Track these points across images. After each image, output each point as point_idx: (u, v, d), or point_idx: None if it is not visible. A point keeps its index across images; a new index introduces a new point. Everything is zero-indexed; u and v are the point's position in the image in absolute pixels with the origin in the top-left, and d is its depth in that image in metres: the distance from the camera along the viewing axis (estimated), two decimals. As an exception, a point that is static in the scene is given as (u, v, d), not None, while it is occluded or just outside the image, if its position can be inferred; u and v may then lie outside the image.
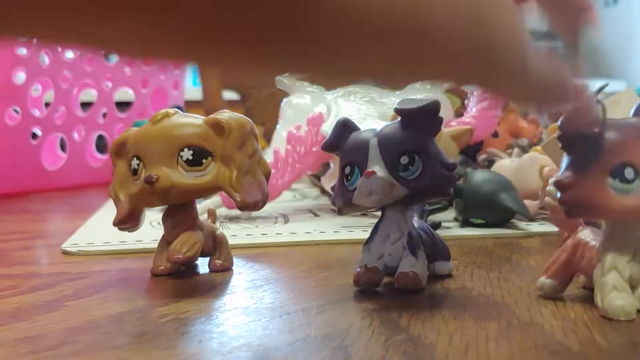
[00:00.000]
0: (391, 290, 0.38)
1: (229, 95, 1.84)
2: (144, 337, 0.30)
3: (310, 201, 0.78)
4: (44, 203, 0.88)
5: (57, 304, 0.36)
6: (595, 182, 0.31)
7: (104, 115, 1.12)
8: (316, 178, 0.75)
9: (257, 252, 0.51)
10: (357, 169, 0.38)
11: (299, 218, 0.66)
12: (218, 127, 0.41)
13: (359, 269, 0.38)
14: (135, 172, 0.42)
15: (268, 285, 0.40)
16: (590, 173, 0.31)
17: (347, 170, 0.39)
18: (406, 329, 0.31)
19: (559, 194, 0.32)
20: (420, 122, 0.38)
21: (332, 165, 0.69)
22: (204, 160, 0.41)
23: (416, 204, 0.41)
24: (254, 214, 0.67)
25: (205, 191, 0.42)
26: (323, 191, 0.74)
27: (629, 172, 0.31)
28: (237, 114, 0.43)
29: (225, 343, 0.29)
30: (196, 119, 0.42)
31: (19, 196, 0.93)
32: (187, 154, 0.41)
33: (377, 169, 0.37)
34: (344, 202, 0.39)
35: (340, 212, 0.41)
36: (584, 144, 0.32)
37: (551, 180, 0.34)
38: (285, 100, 0.74)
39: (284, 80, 0.76)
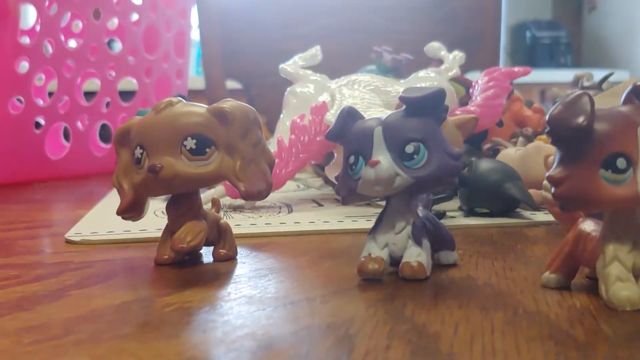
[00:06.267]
0: (395, 280, 0.38)
1: (232, 84, 1.84)
2: (148, 326, 0.30)
3: (314, 191, 0.78)
4: (48, 192, 0.88)
5: (60, 293, 0.36)
6: (588, 174, 0.31)
7: (108, 104, 1.11)
8: (320, 168, 0.75)
9: (261, 242, 0.50)
10: (362, 158, 0.38)
11: (303, 208, 0.65)
12: (221, 116, 0.41)
13: (363, 259, 0.38)
14: (138, 161, 0.42)
15: (272, 274, 0.40)
16: (582, 166, 0.31)
17: (352, 159, 0.38)
18: (411, 319, 0.30)
19: (552, 189, 0.32)
20: (425, 110, 0.38)
21: (335, 154, 0.69)
22: (207, 150, 0.41)
23: (421, 193, 0.41)
24: (258, 203, 0.67)
25: (209, 180, 0.42)
26: (327, 181, 0.74)
27: (620, 162, 0.31)
28: (241, 102, 0.42)
29: (230, 332, 0.29)
30: (199, 108, 0.42)
31: (23, 185, 0.93)
32: (190, 143, 0.40)
33: (382, 158, 0.37)
34: (348, 191, 0.39)
35: (344, 202, 0.41)
36: (574, 137, 0.31)
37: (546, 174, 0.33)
38: (288, 89, 0.74)
39: (287, 69, 0.75)
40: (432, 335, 0.28)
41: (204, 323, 0.31)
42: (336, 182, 0.41)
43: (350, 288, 0.37)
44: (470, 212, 0.60)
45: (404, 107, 0.39)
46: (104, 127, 1.12)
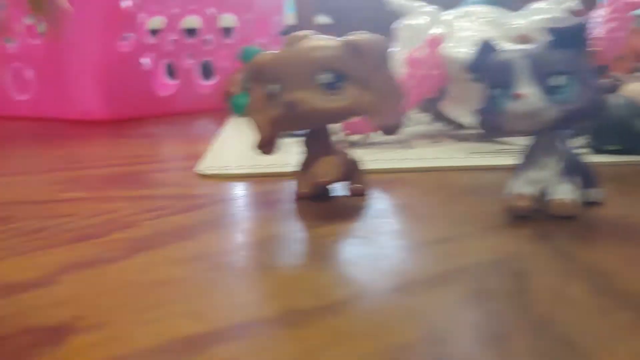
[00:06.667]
0: (544, 218, 0.37)
1: (323, 19, 1.82)
2: (310, 256, 0.31)
3: (424, 126, 0.77)
4: (162, 128, 0.90)
5: (215, 224, 0.37)
6: None
7: (208, 41, 1.12)
8: (431, 102, 0.74)
9: (387, 178, 0.50)
10: (505, 91, 0.37)
11: (420, 143, 0.65)
12: (356, 49, 0.40)
13: (510, 196, 0.38)
14: (273, 96, 0.42)
15: (411, 210, 0.40)
16: None
17: (494, 92, 0.37)
18: (576, 256, 0.30)
19: None
20: (571, 42, 0.36)
21: (450, 89, 0.68)
22: (342, 83, 0.40)
23: (568, 128, 0.39)
24: (373, 139, 0.66)
25: (345, 115, 0.42)
26: (438, 116, 0.73)
27: None
28: (374, 34, 0.41)
29: (385, 268, 0.29)
30: (333, 41, 0.41)
31: (135, 121, 0.96)
32: (325, 77, 0.40)
33: (528, 90, 0.35)
34: (491, 125, 0.38)
35: (486, 136, 0.40)
36: None
37: None
38: (400, 21, 0.72)
39: (396, 1, 0.73)
40: (604, 273, 0.27)
41: (357, 257, 0.31)
42: (477, 116, 0.40)
43: (499, 225, 0.36)
44: (598, 150, 0.58)
45: (546, 38, 0.37)
46: (205, 64, 1.13)
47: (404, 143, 0.65)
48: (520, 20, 0.66)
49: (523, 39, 0.63)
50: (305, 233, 0.35)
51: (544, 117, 0.35)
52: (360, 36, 0.40)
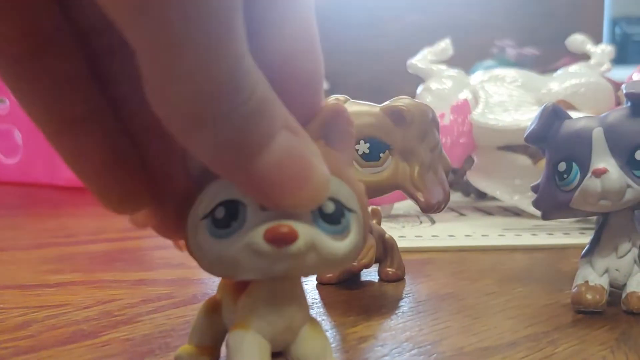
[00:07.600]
0: (619, 313, 0.31)
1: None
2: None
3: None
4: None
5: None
6: None
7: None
8: (457, 173, 0.69)
9: (419, 258, 0.45)
10: (577, 166, 0.31)
11: (445, 218, 0.59)
12: (398, 116, 0.35)
13: (577, 287, 0.32)
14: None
15: (460, 301, 0.34)
16: None
17: (562, 166, 0.32)
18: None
19: None
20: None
21: (475, 159, 0.63)
22: (381, 154, 0.35)
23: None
24: (394, 212, 0.61)
25: (382, 189, 0.36)
26: (464, 187, 0.67)
27: None
28: (418, 100, 0.37)
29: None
30: (371, 107, 0.36)
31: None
32: (362, 147, 0.35)
33: (608, 166, 0.30)
34: (555, 205, 0.33)
35: (546, 217, 0.34)
36: None
37: None
38: (422, 86, 0.68)
39: (417, 65, 0.69)
40: None
41: (421, 369, 0.25)
42: (534, 193, 0.35)
43: (568, 324, 0.30)
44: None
45: (625, 104, 0.32)
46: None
47: (428, 216, 0.60)
48: (555, 84, 0.62)
49: (563, 104, 0.59)
50: (334, 333, 0.29)
51: (626, 197, 0.30)
52: (402, 102, 0.35)
